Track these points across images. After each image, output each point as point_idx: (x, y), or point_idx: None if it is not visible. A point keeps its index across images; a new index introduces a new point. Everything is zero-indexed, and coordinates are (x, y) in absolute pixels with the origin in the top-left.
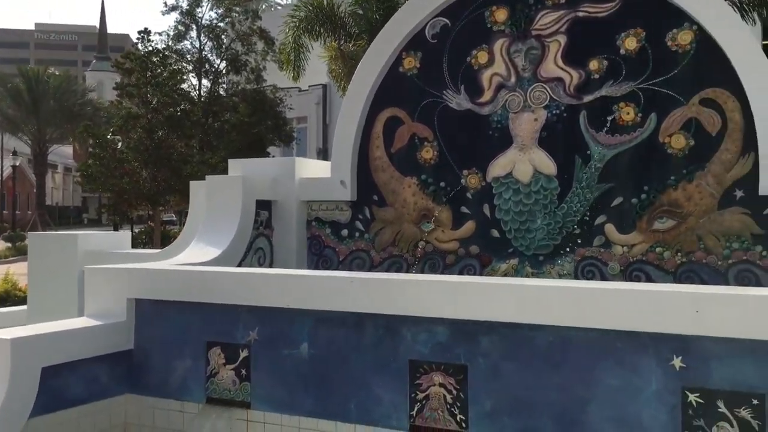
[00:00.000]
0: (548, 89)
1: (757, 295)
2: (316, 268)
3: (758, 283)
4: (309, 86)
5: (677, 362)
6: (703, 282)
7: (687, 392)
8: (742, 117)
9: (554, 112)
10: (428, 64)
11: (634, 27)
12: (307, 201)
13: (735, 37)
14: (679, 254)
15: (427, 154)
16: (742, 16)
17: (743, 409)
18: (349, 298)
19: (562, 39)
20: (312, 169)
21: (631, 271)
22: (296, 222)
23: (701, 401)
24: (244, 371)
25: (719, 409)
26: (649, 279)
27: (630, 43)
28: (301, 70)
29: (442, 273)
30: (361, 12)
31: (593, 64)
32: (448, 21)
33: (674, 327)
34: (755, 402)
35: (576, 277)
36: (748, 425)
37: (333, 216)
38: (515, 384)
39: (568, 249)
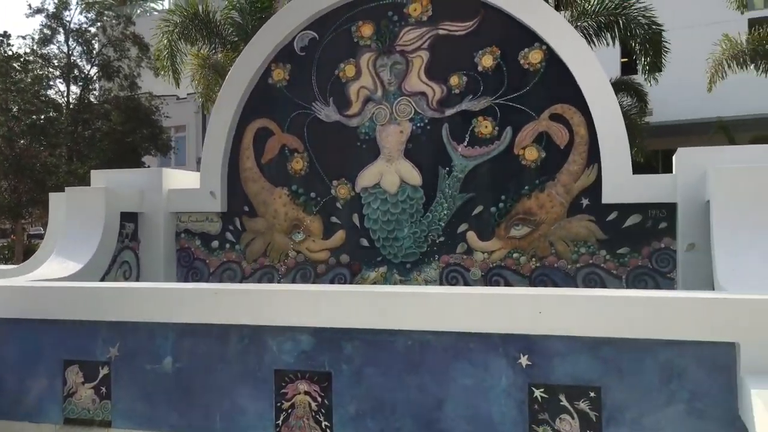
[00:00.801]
0: (413, 103)
1: (590, 296)
2: (186, 280)
3: (603, 285)
4: (187, 94)
5: (524, 360)
6: (555, 285)
7: (533, 388)
8: (587, 131)
9: (419, 124)
10: (297, 76)
11: (490, 45)
12: (175, 213)
13: (579, 57)
14: (533, 259)
15: (298, 165)
16: (596, 38)
17: (582, 402)
18: (213, 309)
19: (425, 55)
20: (181, 180)
21: (491, 276)
22: (164, 234)
23: (545, 396)
24: (104, 389)
25: (561, 403)
26: (507, 283)
27: (487, 60)
28: (180, 76)
29: (314, 282)
30: (238, 19)
31: (454, 80)
32: (316, 34)
33: (520, 327)
34: (592, 394)
35: (441, 283)
36: (587, 416)
37: (203, 228)
38: (377, 387)
39: (433, 256)
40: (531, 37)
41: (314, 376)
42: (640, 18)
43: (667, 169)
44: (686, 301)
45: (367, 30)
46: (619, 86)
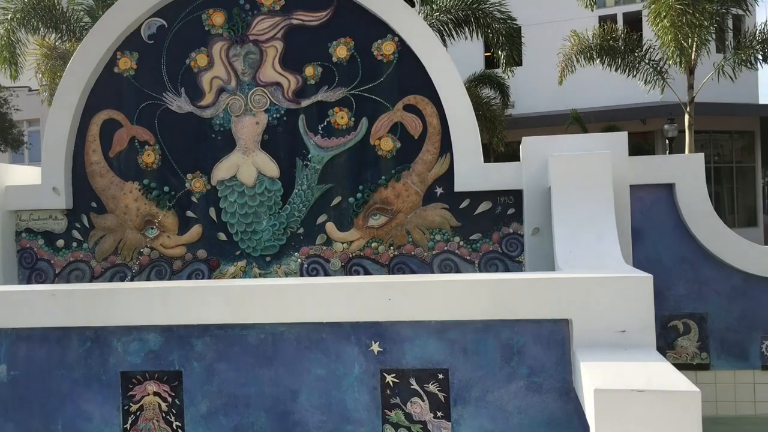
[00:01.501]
0: (268, 93)
1: (434, 281)
2: (29, 282)
3: (457, 270)
4: (41, 86)
5: (375, 347)
6: (412, 272)
7: (385, 374)
8: (439, 121)
9: (275, 115)
10: (146, 65)
11: (344, 36)
12: (15, 211)
13: (430, 49)
14: (391, 248)
15: (149, 158)
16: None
17: (431, 384)
18: (51, 312)
19: (279, 45)
20: (21, 175)
21: (351, 266)
22: (2, 234)
23: (397, 381)
24: None
25: (412, 386)
26: (367, 272)
27: (341, 51)
28: (19, 68)
29: (170, 279)
30: (91, 4)
31: (309, 70)
32: (164, 22)
33: (371, 315)
34: (441, 376)
35: (301, 275)
36: (436, 397)
37: (46, 226)
38: (230, 383)
39: (293, 248)
40: (384, 29)
41: (164, 375)
42: (495, 13)
43: None
44: (522, 282)
45: (218, 18)
46: (482, 80)
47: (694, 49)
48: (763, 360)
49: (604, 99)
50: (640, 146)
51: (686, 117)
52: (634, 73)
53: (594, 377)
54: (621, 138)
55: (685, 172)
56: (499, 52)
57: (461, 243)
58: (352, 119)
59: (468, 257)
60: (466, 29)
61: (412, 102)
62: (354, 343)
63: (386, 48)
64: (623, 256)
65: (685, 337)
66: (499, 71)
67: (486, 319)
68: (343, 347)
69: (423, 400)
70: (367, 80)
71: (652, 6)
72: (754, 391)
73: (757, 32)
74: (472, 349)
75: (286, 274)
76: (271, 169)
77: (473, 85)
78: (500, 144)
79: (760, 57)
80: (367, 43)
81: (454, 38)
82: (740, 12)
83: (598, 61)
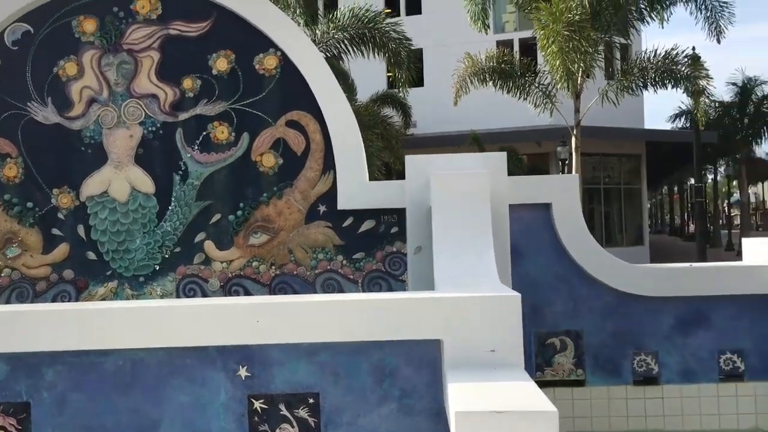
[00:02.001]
0: (143, 105)
1: (304, 302)
2: None
3: (341, 290)
4: None
5: (243, 372)
6: (295, 292)
7: (252, 400)
8: (323, 138)
9: (150, 128)
10: (9, 72)
11: (224, 48)
12: None
13: (313, 64)
14: (273, 267)
15: (11, 171)
16: (353, 50)
17: (302, 409)
18: None
19: (155, 55)
20: None
21: (231, 287)
22: None
23: (265, 406)
24: None
25: (281, 412)
26: (247, 292)
27: (221, 64)
28: None
29: (33, 302)
30: None
31: (187, 83)
32: (30, 27)
33: (238, 338)
34: (311, 401)
35: (178, 296)
36: (306, 423)
37: None
38: (84, 413)
39: (168, 268)
40: (266, 42)
41: (9, 407)
42: (391, 33)
43: None
44: (392, 302)
45: (89, 25)
46: (384, 99)
47: (580, 74)
48: (635, 375)
49: (502, 121)
50: (537, 167)
51: (573, 140)
52: (525, 96)
53: (456, 399)
54: (500, 158)
55: (561, 192)
56: (396, 72)
57: (344, 262)
58: (233, 134)
59: (351, 276)
60: (363, 48)
61: (294, 118)
62: (220, 368)
63: (268, 62)
64: (502, 274)
65: (562, 354)
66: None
67: (357, 340)
68: (209, 372)
69: (293, 426)
70: (249, 94)
71: (542, 32)
72: (626, 406)
73: (638, 60)
74: (343, 372)
75: (162, 296)
76: (146, 184)
77: (375, 104)
78: (398, 163)
79: (641, 84)
80: (249, 56)
81: (351, 56)
82: (624, 41)
83: (490, 84)
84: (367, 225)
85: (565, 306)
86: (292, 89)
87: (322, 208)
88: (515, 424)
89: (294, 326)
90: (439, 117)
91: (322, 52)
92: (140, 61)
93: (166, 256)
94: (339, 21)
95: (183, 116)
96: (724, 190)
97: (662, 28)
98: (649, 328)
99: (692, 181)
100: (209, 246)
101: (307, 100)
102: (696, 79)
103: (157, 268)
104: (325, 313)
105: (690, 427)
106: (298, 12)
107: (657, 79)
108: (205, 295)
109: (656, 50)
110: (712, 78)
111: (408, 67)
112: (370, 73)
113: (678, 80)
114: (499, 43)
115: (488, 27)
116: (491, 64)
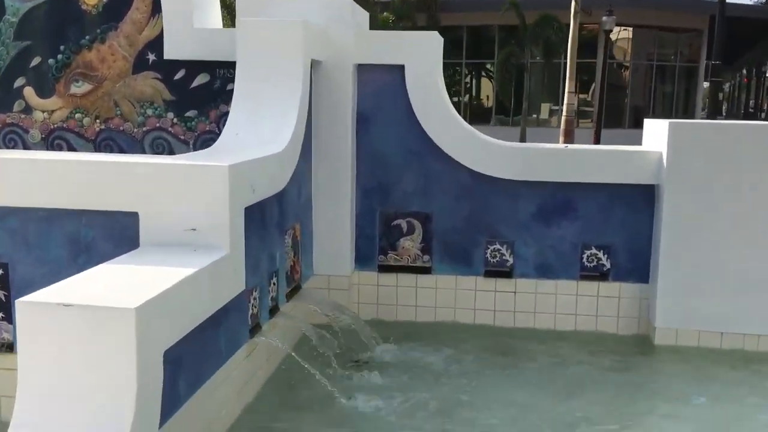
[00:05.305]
0: None
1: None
2: None
3: (171, 150)
4: None
5: None
6: (121, 150)
7: None
8: None
9: None
10: None
11: None
12: None
13: None
14: (98, 121)
15: None
16: None
17: None
18: None
19: None
20: None
21: (53, 139)
22: None
23: None
24: None
25: None
26: (71, 147)
27: None
28: None
29: None
30: None
31: None
32: None
33: None
34: (1, 271)
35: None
36: None
37: None
38: None
39: None
40: None
41: None
42: None
43: None
44: (89, 166)
45: None
46: None
47: None
48: (486, 266)
49: None
50: (586, 42)
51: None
52: None
53: (60, 288)
54: (347, 5)
55: (417, 52)
56: None
57: (175, 120)
58: None
59: (182, 137)
60: None
61: None
62: None
63: None
64: (335, 143)
65: (408, 238)
66: None
67: (48, 207)
68: None
69: None
70: None
71: None
72: (474, 298)
73: None
74: (34, 242)
75: None
76: None
77: None
78: (434, 28)
79: None
80: None
81: None
82: None
83: None
84: (201, 79)
85: (415, 185)
86: None
87: (150, 57)
88: (84, 320)
89: None
90: None
91: None
92: None
93: None
94: None
95: None
96: None
97: None
98: (506, 216)
99: None
100: (29, 92)
101: None
102: None
103: None
104: (15, 173)
105: (543, 326)
106: None
107: None
108: (25, 146)
109: None
110: None
111: None
112: None
113: None
114: None
115: None
116: None
